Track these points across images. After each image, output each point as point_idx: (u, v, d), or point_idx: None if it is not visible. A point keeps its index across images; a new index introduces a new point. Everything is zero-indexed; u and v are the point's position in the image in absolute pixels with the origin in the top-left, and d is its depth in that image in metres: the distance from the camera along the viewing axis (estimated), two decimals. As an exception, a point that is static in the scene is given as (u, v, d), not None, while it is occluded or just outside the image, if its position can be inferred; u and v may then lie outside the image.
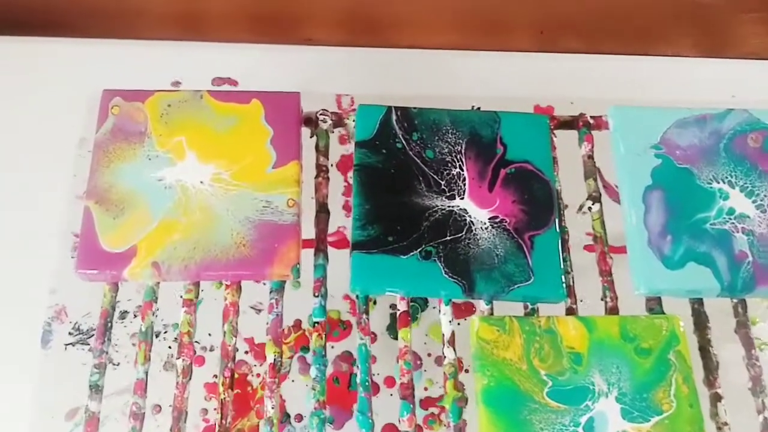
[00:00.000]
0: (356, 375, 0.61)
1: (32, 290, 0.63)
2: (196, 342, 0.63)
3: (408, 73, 0.76)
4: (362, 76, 0.77)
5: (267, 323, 0.48)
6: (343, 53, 0.77)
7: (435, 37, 0.79)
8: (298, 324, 0.64)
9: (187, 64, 0.74)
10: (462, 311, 0.64)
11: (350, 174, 0.52)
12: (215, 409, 0.59)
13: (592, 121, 0.56)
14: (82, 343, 0.62)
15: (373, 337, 0.63)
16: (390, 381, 0.63)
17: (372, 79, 0.76)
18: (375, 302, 0.64)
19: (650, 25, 0.79)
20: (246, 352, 0.63)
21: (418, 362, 0.63)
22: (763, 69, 0.79)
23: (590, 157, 0.55)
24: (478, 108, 0.55)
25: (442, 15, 0.78)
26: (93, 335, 0.62)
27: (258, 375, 0.62)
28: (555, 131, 0.55)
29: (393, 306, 0.64)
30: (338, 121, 0.55)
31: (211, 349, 0.63)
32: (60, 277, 0.64)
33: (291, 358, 0.63)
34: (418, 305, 0.64)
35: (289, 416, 0.60)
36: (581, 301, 0.51)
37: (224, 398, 0.45)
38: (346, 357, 0.63)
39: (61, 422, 0.59)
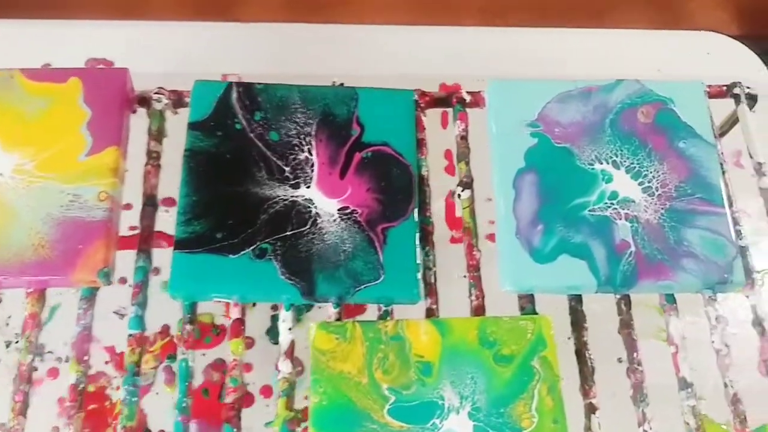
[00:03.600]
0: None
1: None
2: (49, 353, 0.57)
3: (318, 49, 0.70)
4: (262, 53, 0.70)
5: (72, 338, 0.41)
6: (235, 29, 0.71)
7: (380, 14, 0.73)
8: (165, 330, 0.58)
9: (61, 44, 0.68)
10: (353, 310, 0.57)
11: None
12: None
13: (468, 98, 0.50)
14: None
15: (251, 342, 0.58)
16: (267, 390, 0.57)
17: (275, 56, 0.70)
18: (254, 305, 0.58)
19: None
20: (106, 362, 0.57)
21: (299, 368, 0.57)
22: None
23: (464, 138, 0.49)
24: (341, 84, 0.49)
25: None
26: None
27: (118, 388, 0.56)
28: (427, 110, 0.49)
29: (274, 307, 0.59)
30: (178, 101, 0.48)
31: (67, 360, 0.56)
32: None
33: (156, 368, 0.57)
34: (303, 305, 0.58)
35: (150, 432, 0.54)
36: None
37: (13, 426, 0.39)
38: (218, 365, 0.58)
39: None
